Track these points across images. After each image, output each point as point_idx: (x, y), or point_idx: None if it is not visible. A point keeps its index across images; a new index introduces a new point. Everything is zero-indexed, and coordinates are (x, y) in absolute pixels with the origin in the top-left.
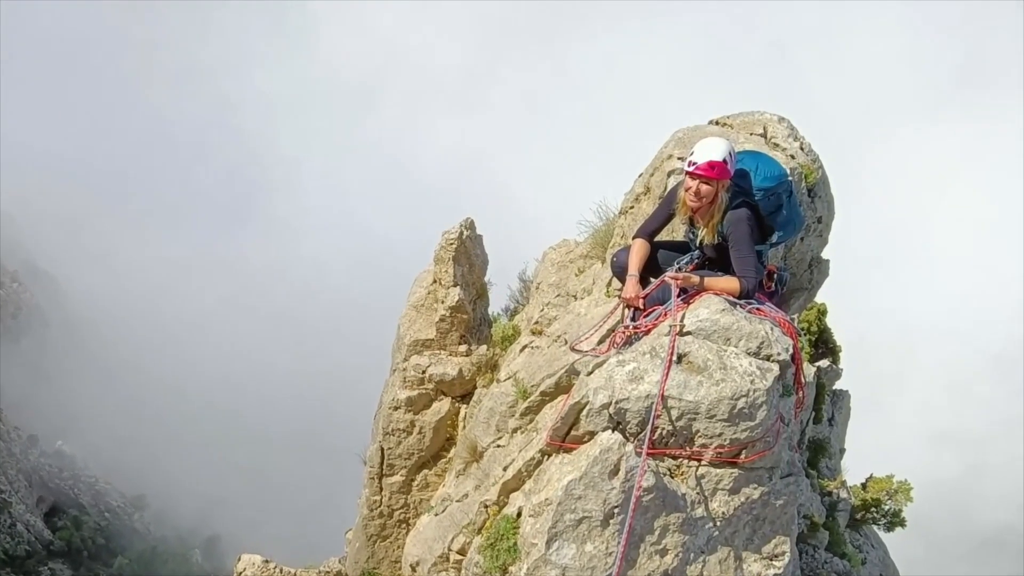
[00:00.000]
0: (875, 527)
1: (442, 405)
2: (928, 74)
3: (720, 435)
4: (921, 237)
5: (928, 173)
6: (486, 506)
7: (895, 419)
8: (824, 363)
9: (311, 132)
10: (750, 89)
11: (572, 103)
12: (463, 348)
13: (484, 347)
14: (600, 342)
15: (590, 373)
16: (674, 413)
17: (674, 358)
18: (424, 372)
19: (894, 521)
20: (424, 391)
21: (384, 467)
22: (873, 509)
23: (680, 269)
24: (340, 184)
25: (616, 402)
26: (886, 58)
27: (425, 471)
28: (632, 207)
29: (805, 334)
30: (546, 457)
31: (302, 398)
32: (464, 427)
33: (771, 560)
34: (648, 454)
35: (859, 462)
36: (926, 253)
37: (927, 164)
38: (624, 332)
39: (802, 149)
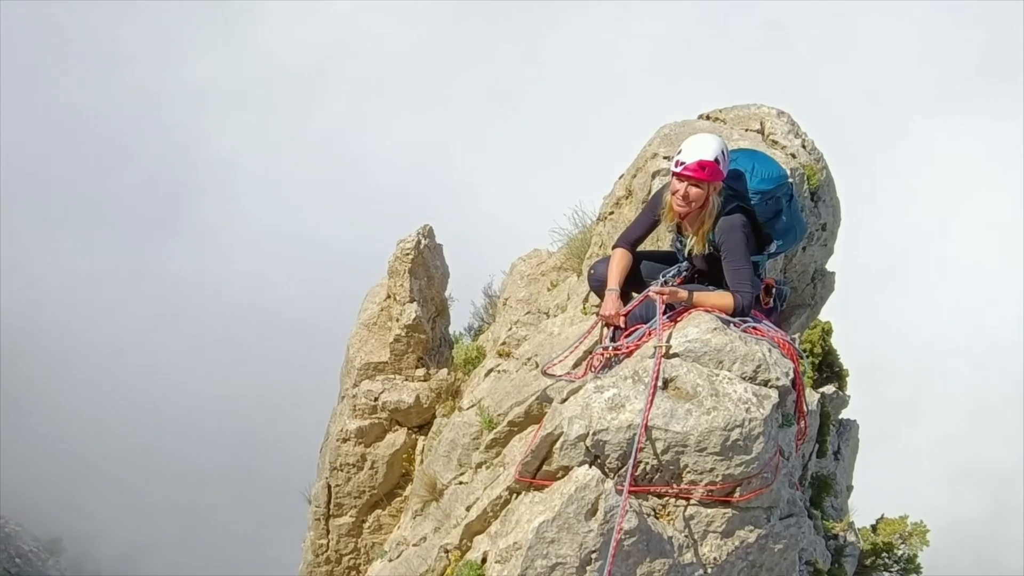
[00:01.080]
0: (887, 575)
1: (397, 437)
2: (949, 61)
3: (711, 471)
4: (940, 246)
5: (949, 174)
6: (447, 551)
7: (910, 453)
8: (829, 389)
9: (248, 129)
10: (745, 78)
11: (543, 95)
12: (421, 372)
13: (444, 371)
14: (575, 365)
15: (564, 400)
16: (659, 446)
17: (659, 383)
18: (376, 399)
19: (908, 568)
20: (376, 421)
21: (331, 507)
22: (885, 554)
23: (666, 283)
24: (281, 187)
25: (594, 433)
26: (901, 42)
27: (378, 511)
28: (612, 213)
29: (807, 356)
30: (515, 495)
31: (238, 429)
32: (422, 461)
33: None
34: (630, 492)
35: (869, 501)
36: (945, 265)
37: (947, 163)
38: (603, 354)
39: (804, 147)
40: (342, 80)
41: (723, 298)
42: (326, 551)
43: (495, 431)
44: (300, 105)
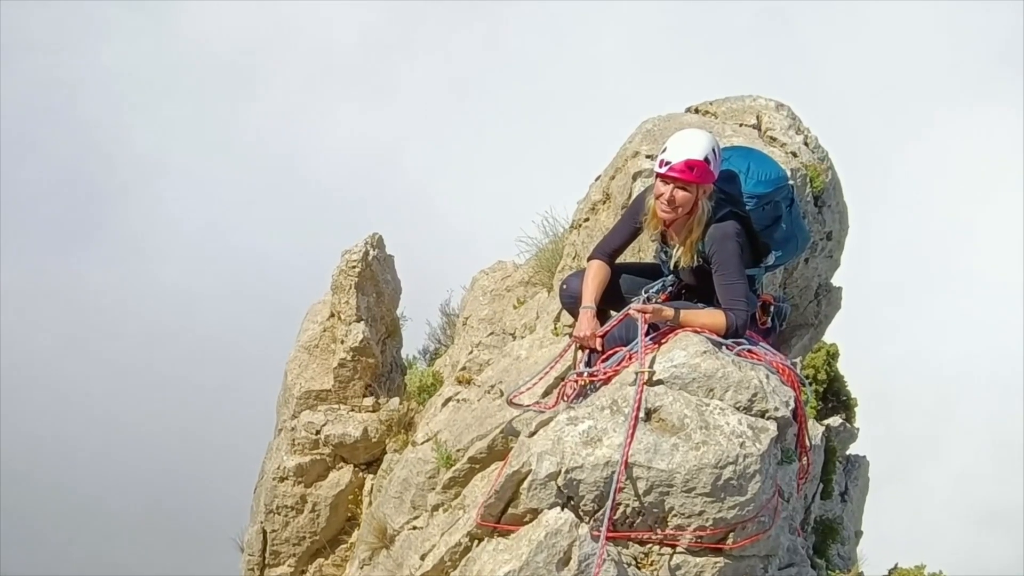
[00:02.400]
0: None
1: (341, 475)
2: (973, 45)
3: (701, 514)
4: (963, 258)
5: (973, 175)
6: None
7: (928, 493)
8: (835, 421)
9: (173, 123)
10: (739, 66)
11: (509, 85)
12: (369, 401)
13: (396, 400)
14: (545, 394)
15: (533, 434)
16: (641, 485)
17: (641, 415)
18: (318, 432)
19: None
20: (318, 457)
21: (267, 555)
22: None
23: (649, 299)
24: (211, 190)
25: (566, 471)
26: (918, 23)
27: (320, 560)
28: (587, 219)
29: (811, 383)
30: (476, 542)
31: (160, 467)
32: (370, 503)
33: None
34: (608, 538)
35: (881, 548)
36: (969, 279)
37: (972, 163)
38: (576, 381)
39: (807, 144)
40: (281, 69)
41: (714, 317)
42: None
43: (454, 469)
44: (234, 97)
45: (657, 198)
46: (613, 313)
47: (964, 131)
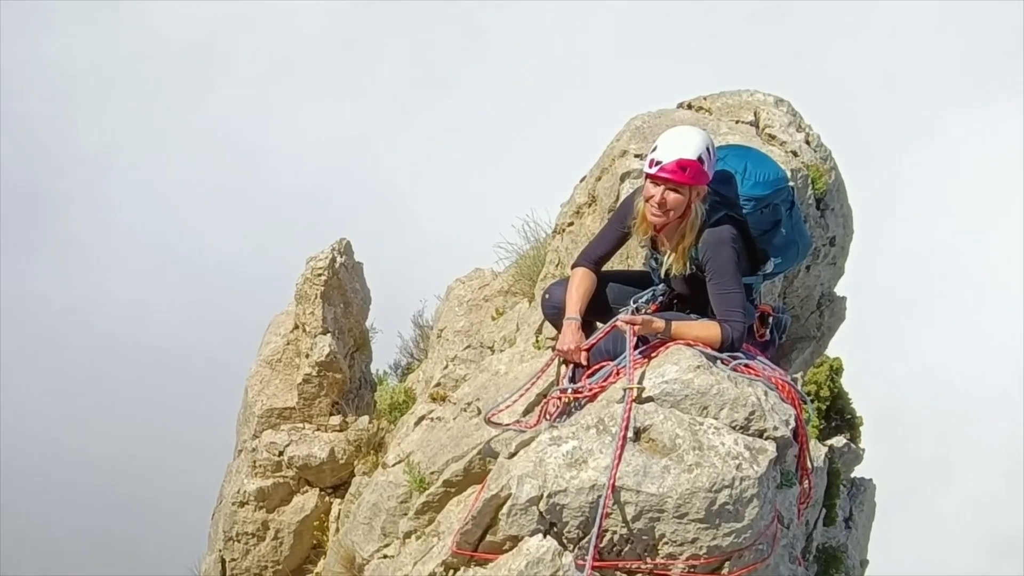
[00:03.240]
0: None
1: (307, 500)
2: (988, 36)
3: (694, 541)
4: (977, 266)
5: (988, 177)
6: None
7: (939, 519)
8: (839, 441)
9: (123, 120)
10: (736, 58)
11: (487, 79)
12: (336, 420)
13: (365, 419)
14: (526, 412)
15: (513, 455)
16: (630, 511)
17: (630, 434)
18: (281, 454)
19: None
20: (282, 480)
21: None
22: None
23: (638, 310)
24: (163, 192)
25: (549, 496)
26: (928, 14)
27: None
28: (571, 224)
29: (813, 400)
30: (452, 572)
31: (107, 489)
32: (337, 530)
33: None
34: (594, 567)
35: None
36: (983, 289)
37: (986, 164)
38: (560, 398)
39: (809, 143)
40: (240, 61)
41: (708, 329)
42: None
43: (427, 493)
44: (189, 92)
45: (647, 201)
46: (599, 325)
47: (979, 129)
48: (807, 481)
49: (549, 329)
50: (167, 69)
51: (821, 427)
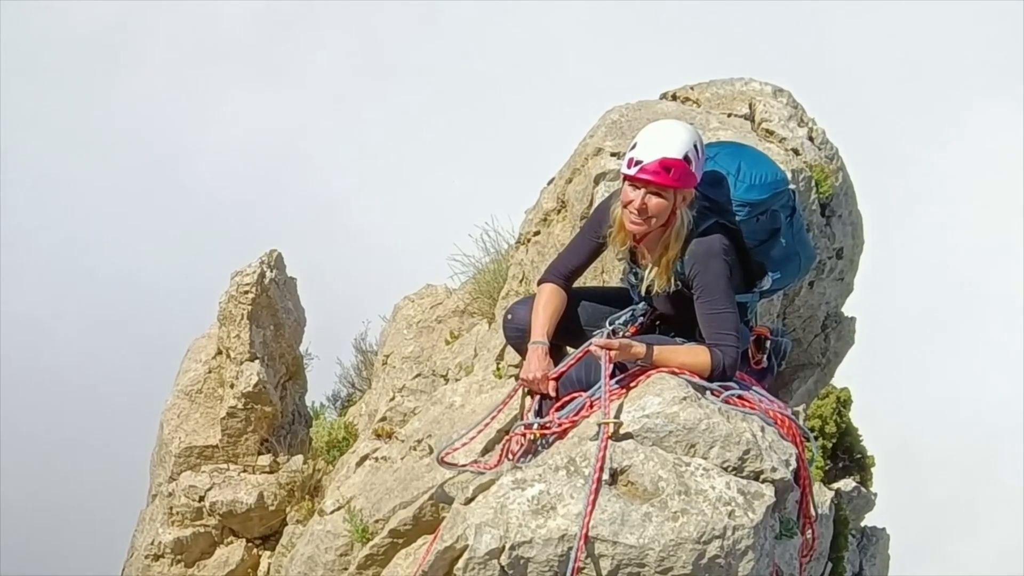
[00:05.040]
0: None
1: (231, 552)
2: (1015, 22)
3: None
4: (1004, 282)
5: (1018, 179)
6: None
7: (962, 571)
8: (848, 484)
9: (22, 113)
10: (727, 43)
11: (442, 66)
12: (265, 460)
13: (299, 459)
14: (486, 451)
15: (470, 500)
16: (605, 565)
17: (605, 476)
18: (202, 499)
19: None
20: (203, 529)
21: None
22: None
23: (615, 333)
24: (66, 196)
25: (512, 547)
26: None
27: None
28: (538, 233)
29: (817, 437)
30: None
31: (3, 541)
32: None
33: None
34: None
35: None
36: (1010, 309)
37: (1017, 164)
38: (524, 434)
39: (812, 139)
40: (156, 46)
41: (696, 355)
42: None
43: (371, 544)
44: (96, 82)
45: (625, 206)
46: (570, 350)
47: (1009, 125)
48: (810, 531)
49: (512, 355)
50: (72, 57)
51: (827, 468)
